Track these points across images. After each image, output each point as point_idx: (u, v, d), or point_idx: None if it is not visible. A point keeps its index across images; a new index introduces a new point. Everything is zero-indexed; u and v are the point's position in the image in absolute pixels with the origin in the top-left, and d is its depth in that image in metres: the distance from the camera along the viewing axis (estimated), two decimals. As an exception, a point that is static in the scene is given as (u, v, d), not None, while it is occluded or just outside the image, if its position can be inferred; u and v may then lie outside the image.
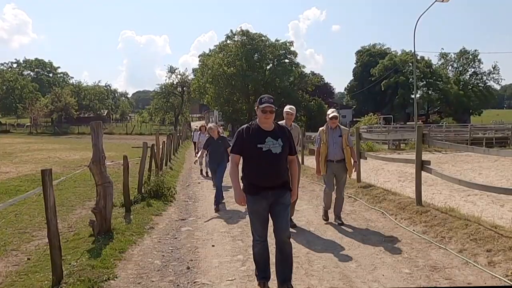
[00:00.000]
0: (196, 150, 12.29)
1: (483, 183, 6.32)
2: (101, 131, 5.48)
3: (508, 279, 3.76)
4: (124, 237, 5.39)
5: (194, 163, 10.40)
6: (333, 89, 73.57)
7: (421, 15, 26.86)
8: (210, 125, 9.00)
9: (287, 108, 5.84)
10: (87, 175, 8.90)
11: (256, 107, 3.61)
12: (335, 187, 6.13)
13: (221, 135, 8.97)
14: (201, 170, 12.91)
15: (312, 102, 48.30)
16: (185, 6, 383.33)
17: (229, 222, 6.47)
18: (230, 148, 3.75)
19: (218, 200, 7.50)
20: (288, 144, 3.60)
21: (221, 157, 7.61)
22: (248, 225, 6.22)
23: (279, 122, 5.09)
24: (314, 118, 45.37)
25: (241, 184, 3.63)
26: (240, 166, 3.67)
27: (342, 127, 6.19)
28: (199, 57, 54.63)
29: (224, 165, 7.43)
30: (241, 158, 3.62)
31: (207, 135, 9.30)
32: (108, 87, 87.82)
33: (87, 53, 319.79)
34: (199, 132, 13.52)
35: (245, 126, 3.66)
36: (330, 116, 6.09)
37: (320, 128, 6.28)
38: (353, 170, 6.21)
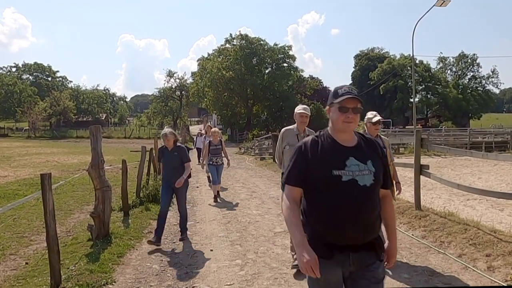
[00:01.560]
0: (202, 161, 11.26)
1: (482, 188, 6.33)
2: (100, 135, 5.48)
3: (507, 284, 3.75)
4: (122, 241, 5.38)
5: (202, 167, 10.58)
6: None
7: (419, 19, 26.99)
8: (214, 129, 9.13)
9: (300, 108, 4.47)
10: (85, 179, 8.90)
11: (328, 106, 2.16)
12: None
13: (220, 138, 9.14)
14: (209, 177, 11.03)
15: (311, 106, 48.26)
16: (184, 10, 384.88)
17: (227, 227, 6.45)
18: (284, 175, 2.20)
19: (159, 234, 5.49)
20: (382, 169, 2.15)
21: (174, 174, 5.54)
22: (247, 229, 6.24)
23: (288, 128, 4.54)
24: (312, 122, 45.02)
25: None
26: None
27: (383, 136, 4.66)
28: (197, 61, 54.72)
29: (183, 189, 5.67)
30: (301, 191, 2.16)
31: (210, 137, 9.17)
32: (107, 91, 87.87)
33: (86, 57, 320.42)
34: (204, 135, 12.14)
35: (309, 138, 2.17)
36: (373, 120, 4.43)
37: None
38: (397, 193, 4.89)
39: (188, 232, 6.06)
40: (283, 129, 4.55)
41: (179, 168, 5.59)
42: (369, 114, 4.58)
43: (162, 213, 5.57)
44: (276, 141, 20.26)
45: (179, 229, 5.87)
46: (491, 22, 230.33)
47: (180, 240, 5.67)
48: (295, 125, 4.48)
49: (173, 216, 7.40)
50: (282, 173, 4.17)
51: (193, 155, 24.60)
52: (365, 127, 4.55)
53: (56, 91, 69.58)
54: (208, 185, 11.01)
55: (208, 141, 9.06)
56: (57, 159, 19.63)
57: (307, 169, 2.08)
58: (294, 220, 2.07)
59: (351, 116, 2.05)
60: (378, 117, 4.49)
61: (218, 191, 9.03)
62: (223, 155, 9.05)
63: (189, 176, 5.76)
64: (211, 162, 8.88)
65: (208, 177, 11.16)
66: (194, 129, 49.40)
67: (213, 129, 9.31)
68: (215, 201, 8.68)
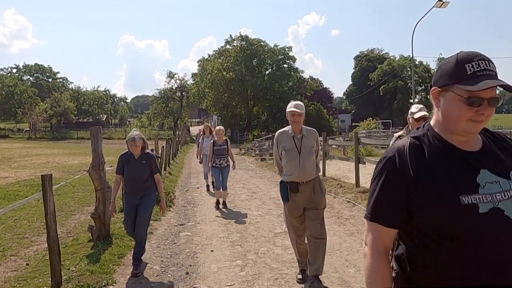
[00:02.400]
0: (200, 157, 10.64)
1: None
2: (101, 136, 5.50)
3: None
4: (123, 242, 5.39)
5: (200, 161, 10.45)
6: (332, 94, 73.71)
7: (419, 20, 27.01)
8: (218, 127, 8.26)
9: (291, 106, 3.81)
10: (86, 180, 8.90)
11: (438, 87, 1.28)
12: None
13: (225, 138, 8.20)
14: (208, 186, 10.41)
15: (311, 107, 48.29)
16: (185, 11, 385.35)
17: (228, 227, 6.46)
18: (369, 207, 1.31)
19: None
20: None
21: (142, 189, 4.52)
22: (248, 230, 6.26)
23: (282, 130, 3.99)
24: (312, 123, 45.37)
25: None
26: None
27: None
28: (198, 62, 54.84)
29: (148, 206, 4.58)
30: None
31: (213, 137, 8.47)
32: (107, 92, 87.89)
33: (86, 58, 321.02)
34: (202, 136, 10.78)
35: (405, 142, 1.31)
36: (416, 116, 3.89)
37: (396, 135, 4.02)
38: None
39: (188, 233, 6.08)
40: (276, 133, 4.04)
41: (148, 182, 4.53)
42: (413, 107, 4.06)
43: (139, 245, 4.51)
44: None
45: (132, 261, 4.48)
46: (490, 23, 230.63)
47: (132, 276, 4.28)
48: (289, 126, 3.94)
49: (173, 216, 7.41)
50: (281, 182, 3.97)
51: (194, 154, 24.67)
52: (408, 122, 4.01)
53: (56, 92, 69.66)
54: (208, 190, 10.23)
55: (212, 141, 8.17)
56: (57, 160, 19.65)
57: (412, 198, 1.23)
58: (379, 279, 1.26)
59: (486, 112, 1.21)
60: (422, 112, 3.85)
61: (224, 201, 8.05)
62: (228, 156, 8.16)
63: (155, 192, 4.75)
64: (214, 164, 7.98)
65: (213, 182, 9.48)
66: (194, 130, 49.43)
67: (217, 128, 8.30)
68: (217, 207, 7.88)
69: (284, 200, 3.91)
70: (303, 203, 3.85)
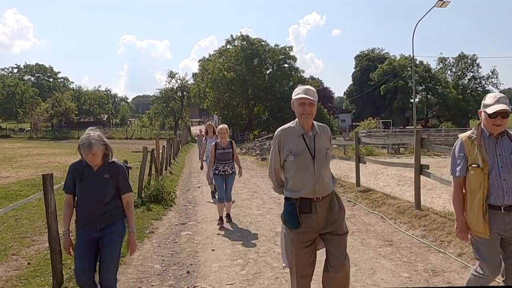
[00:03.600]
0: (203, 159, 9.38)
1: (482, 187, 6.34)
2: (102, 136, 5.49)
3: (507, 284, 3.77)
4: (124, 241, 5.40)
5: (201, 167, 8.92)
6: (333, 93, 73.82)
7: (419, 20, 27.01)
8: (221, 125, 6.75)
9: (299, 91, 2.84)
10: (87, 180, 8.93)
11: None
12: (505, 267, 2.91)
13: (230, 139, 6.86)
14: (213, 193, 9.11)
15: (312, 106, 48.30)
16: (186, 11, 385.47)
17: (228, 227, 6.48)
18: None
19: None
20: None
21: (103, 216, 3.15)
22: (248, 229, 6.27)
23: (286, 127, 2.90)
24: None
25: None
26: None
27: None
28: (198, 62, 54.88)
29: (114, 243, 3.19)
30: None
31: (217, 138, 7.13)
32: (108, 91, 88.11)
33: (87, 58, 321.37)
34: (205, 136, 9.68)
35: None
36: (495, 110, 2.70)
37: (462, 136, 2.91)
38: None
39: (189, 232, 6.09)
40: (278, 130, 2.92)
41: (112, 205, 3.15)
42: (488, 98, 2.81)
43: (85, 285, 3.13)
44: None
45: None
46: (491, 23, 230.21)
47: None
48: (296, 120, 2.88)
49: (174, 216, 7.43)
50: (286, 199, 2.89)
51: (194, 154, 24.67)
52: (481, 117, 2.83)
53: (57, 92, 69.87)
54: (213, 196, 8.95)
55: (214, 143, 6.77)
56: (58, 160, 19.68)
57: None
58: None
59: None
60: (500, 106, 2.67)
61: (227, 213, 6.73)
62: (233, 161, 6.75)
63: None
64: (216, 172, 6.59)
65: (212, 192, 9.09)
66: (195, 129, 49.46)
67: (220, 126, 6.75)
68: (220, 224, 6.48)
69: (291, 225, 2.86)
70: (317, 228, 2.83)
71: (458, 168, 2.87)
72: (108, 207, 3.14)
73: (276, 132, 2.94)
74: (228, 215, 6.74)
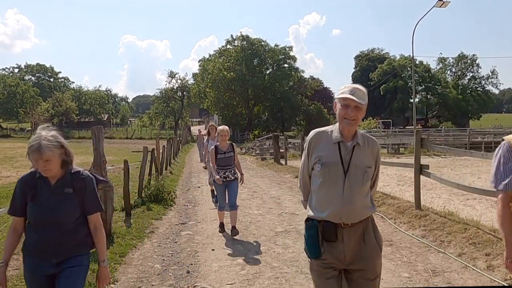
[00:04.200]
0: (205, 160, 9.02)
1: (482, 187, 6.35)
2: (102, 136, 5.51)
3: (507, 283, 3.78)
4: (124, 241, 5.41)
5: (205, 167, 8.12)
6: (333, 93, 73.56)
7: (419, 20, 27.01)
8: (221, 127, 6.17)
9: (345, 90, 2.32)
10: (87, 180, 8.93)
11: None
12: None
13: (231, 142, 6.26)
14: (212, 191, 8.60)
15: (312, 107, 48.40)
16: (186, 11, 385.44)
17: (229, 227, 6.47)
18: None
19: None
20: None
21: (62, 245, 2.32)
22: (248, 229, 6.27)
23: (321, 130, 2.39)
24: (313, 123, 45.42)
25: None
26: None
27: None
28: (199, 62, 54.91)
29: (76, 282, 2.37)
30: None
31: (216, 141, 6.43)
32: (109, 91, 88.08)
33: (88, 58, 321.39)
34: (207, 138, 9.12)
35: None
36: None
37: (510, 138, 2.29)
38: None
39: (189, 232, 6.10)
40: (311, 133, 2.41)
41: (77, 228, 2.38)
42: None
43: None
44: (277, 141, 18.52)
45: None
46: (490, 23, 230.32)
47: None
48: (336, 125, 2.35)
49: (174, 216, 7.44)
50: (308, 220, 2.33)
51: (194, 154, 24.69)
52: None
53: (58, 92, 69.91)
54: (212, 200, 8.45)
55: (213, 146, 6.14)
56: (58, 160, 19.67)
57: None
58: None
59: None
60: None
61: (233, 226, 5.84)
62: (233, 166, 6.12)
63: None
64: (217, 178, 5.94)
65: (212, 191, 8.57)
66: (195, 129, 49.47)
67: (220, 128, 6.16)
68: (221, 231, 6.11)
69: (310, 254, 2.29)
70: (343, 261, 2.25)
71: (507, 181, 2.20)
72: (69, 234, 2.33)
73: (309, 134, 2.42)
74: (234, 228, 5.78)
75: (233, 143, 6.22)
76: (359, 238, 2.26)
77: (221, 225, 6.16)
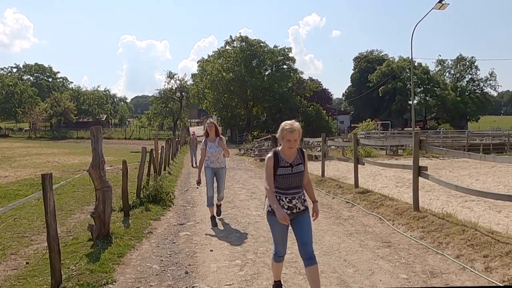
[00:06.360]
0: (195, 161, 8.76)
1: (480, 189, 6.37)
2: (101, 136, 5.51)
3: (504, 285, 3.79)
4: (122, 241, 5.41)
5: (197, 184, 6.72)
6: (331, 95, 73.82)
7: (418, 22, 27.12)
8: (210, 119, 5.97)
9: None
10: (86, 180, 8.92)
11: None
12: None
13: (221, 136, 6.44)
14: (213, 218, 6.73)
15: (310, 108, 48.48)
16: (186, 11, 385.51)
17: (227, 227, 6.48)
18: None
19: None
20: None
21: None
22: (247, 230, 6.28)
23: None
24: (312, 124, 45.52)
25: None
26: None
27: None
28: (197, 62, 54.95)
29: None
30: None
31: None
32: (107, 92, 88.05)
33: (87, 57, 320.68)
34: (202, 140, 7.17)
35: None
36: None
37: None
38: None
39: (187, 232, 6.10)
40: None
41: None
42: None
43: None
44: (276, 142, 18.63)
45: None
46: (490, 25, 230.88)
47: None
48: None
49: (173, 216, 7.43)
50: None
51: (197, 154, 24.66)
52: None
53: (56, 92, 69.78)
54: (214, 224, 6.66)
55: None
56: (57, 160, 19.66)
57: None
58: None
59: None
60: None
61: (219, 207, 6.57)
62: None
63: None
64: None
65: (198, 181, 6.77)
66: (192, 131, 49.45)
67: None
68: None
69: None
70: None
71: None
72: None
73: None
74: (219, 207, 6.71)
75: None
76: None
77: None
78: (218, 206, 6.86)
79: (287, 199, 3.44)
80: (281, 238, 3.58)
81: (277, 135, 3.38)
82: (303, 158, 3.52)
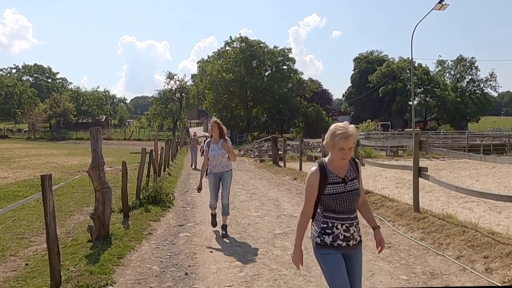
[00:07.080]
0: (194, 163, 8.42)
1: (480, 190, 6.36)
2: (100, 137, 5.50)
3: (505, 286, 3.78)
4: (122, 242, 5.39)
5: (198, 190, 6.25)
6: (331, 95, 73.78)
7: (418, 23, 27.14)
8: (214, 118, 5.71)
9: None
10: (85, 181, 8.91)
11: None
12: None
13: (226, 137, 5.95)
14: (213, 216, 6.45)
15: (310, 108, 48.49)
16: (186, 12, 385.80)
17: (227, 228, 6.46)
18: None
19: None
20: None
21: None
22: (247, 231, 6.27)
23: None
24: (312, 125, 45.53)
25: None
26: None
27: None
28: (197, 63, 54.97)
29: None
30: None
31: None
32: (107, 92, 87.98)
33: (86, 58, 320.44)
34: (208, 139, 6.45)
35: None
36: None
37: None
38: None
39: (187, 234, 6.08)
40: None
41: None
42: None
43: None
44: (275, 143, 18.60)
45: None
46: (490, 25, 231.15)
47: None
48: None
49: (172, 217, 7.42)
50: None
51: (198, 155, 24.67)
52: None
53: (56, 92, 69.77)
54: (214, 224, 6.44)
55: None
56: (57, 161, 19.65)
57: None
58: None
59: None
60: None
61: (224, 227, 5.98)
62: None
63: None
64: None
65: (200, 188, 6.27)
66: (193, 131, 49.49)
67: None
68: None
69: None
70: None
71: None
72: None
73: None
74: (225, 227, 5.98)
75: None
76: None
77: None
78: (223, 227, 6.00)
79: (344, 227, 2.52)
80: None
81: (324, 143, 2.57)
82: (358, 171, 2.66)
